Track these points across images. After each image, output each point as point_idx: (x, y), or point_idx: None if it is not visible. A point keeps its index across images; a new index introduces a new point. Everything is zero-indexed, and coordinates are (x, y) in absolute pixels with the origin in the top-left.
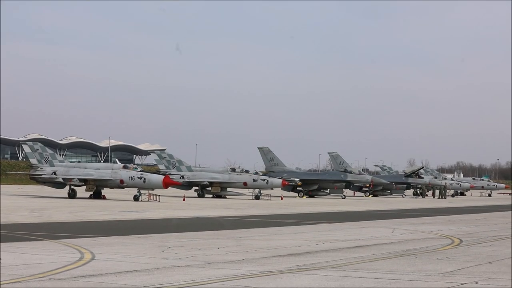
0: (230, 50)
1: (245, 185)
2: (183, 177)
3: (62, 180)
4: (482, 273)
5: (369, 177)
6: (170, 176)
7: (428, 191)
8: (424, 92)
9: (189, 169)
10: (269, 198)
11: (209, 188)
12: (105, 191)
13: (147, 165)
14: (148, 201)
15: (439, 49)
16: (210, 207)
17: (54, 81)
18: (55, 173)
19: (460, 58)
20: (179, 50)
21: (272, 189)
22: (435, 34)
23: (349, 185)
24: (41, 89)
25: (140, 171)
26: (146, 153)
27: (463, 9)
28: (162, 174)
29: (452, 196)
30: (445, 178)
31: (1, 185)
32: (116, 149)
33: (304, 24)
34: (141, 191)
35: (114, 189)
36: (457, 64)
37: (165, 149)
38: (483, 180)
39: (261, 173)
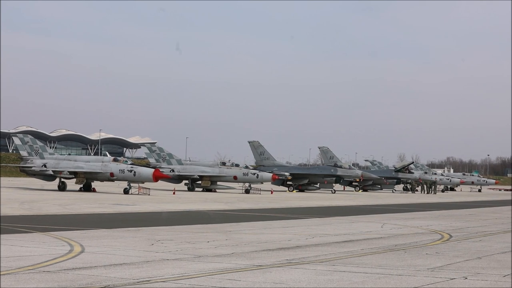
0: (222, 41)
1: (235, 179)
2: (173, 171)
3: (52, 173)
4: (471, 268)
5: (359, 172)
6: (160, 170)
7: (418, 186)
8: (416, 86)
9: (179, 162)
10: (259, 192)
11: (199, 182)
12: (95, 184)
13: (138, 158)
14: (138, 194)
15: (432, 42)
16: (200, 201)
17: (45, 74)
18: (45, 166)
19: (454, 51)
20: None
21: (262, 183)
22: (428, 27)
23: (339, 179)
24: (32, 81)
25: (130, 164)
26: (137, 146)
27: (458, 3)
28: (152, 167)
29: (442, 191)
30: (435, 173)
31: None
32: (106, 142)
33: (297, 17)
34: (131, 184)
35: (104, 182)
36: (450, 58)
37: (155, 143)
38: (473, 175)
39: (251, 167)
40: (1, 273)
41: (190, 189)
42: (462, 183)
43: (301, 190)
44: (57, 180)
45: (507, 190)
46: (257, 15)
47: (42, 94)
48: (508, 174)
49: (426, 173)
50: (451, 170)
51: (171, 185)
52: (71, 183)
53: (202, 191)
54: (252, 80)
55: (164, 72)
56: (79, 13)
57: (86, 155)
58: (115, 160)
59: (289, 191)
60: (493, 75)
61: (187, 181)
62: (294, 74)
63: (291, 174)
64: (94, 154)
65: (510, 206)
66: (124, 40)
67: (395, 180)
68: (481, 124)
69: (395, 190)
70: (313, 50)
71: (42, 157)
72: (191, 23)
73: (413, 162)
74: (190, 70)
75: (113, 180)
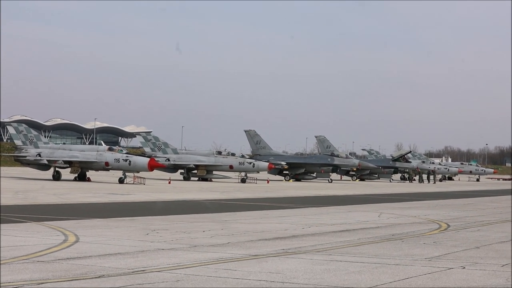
0: (219, 31)
1: (231, 168)
2: (168, 160)
3: (46, 162)
4: (469, 258)
5: (356, 161)
6: (156, 159)
7: (415, 176)
8: (414, 75)
9: (175, 151)
10: (255, 181)
11: (195, 171)
12: (90, 174)
13: (133, 148)
14: (133, 183)
15: (429, 32)
16: (195, 190)
17: (39, 62)
18: (39, 155)
19: (452, 42)
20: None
21: (258, 172)
22: (425, 17)
23: (336, 169)
24: (26, 70)
25: (126, 153)
26: (132, 135)
27: None
28: (147, 157)
29: (440, 180)
30: (433, 163)
31: None
32: (101, 131)
33: (293, 7)
34: (126, 174)
35: (99, 171)
36: (447, 48)
37: (151, 132)
38: (471, 165)
39: (247, 156)
40: None
41: (186, 178)
42: (460, 172)
43: (298, 180)
44: (52, 169)
45: (505, 179)
46: (255, 5)
47: (37, 83)
48: (506, 164)
49: (423, 162)
50: (449, 160)
51: (166, 175)
52: (65, 173)
53: (198, 180)
54: (249, 70)
55: (160, 60)
56: (73, 1)
57: (81, 144)
58: (110, 149)
59: (285, 180)
60: (492, 65)
61: (182, 171)
62: (291, 64)
63: (287, 164)
64: (89, 143)
65: (510, 196)
66: (120, 28)
67: (393, 170)
68: (479, 113)
69: (392, 180)
70: (310, 40)
71: (36, 146)
72: (188, 12)
73: (410, 151)
74: (186, 59)
75: (108, 170)
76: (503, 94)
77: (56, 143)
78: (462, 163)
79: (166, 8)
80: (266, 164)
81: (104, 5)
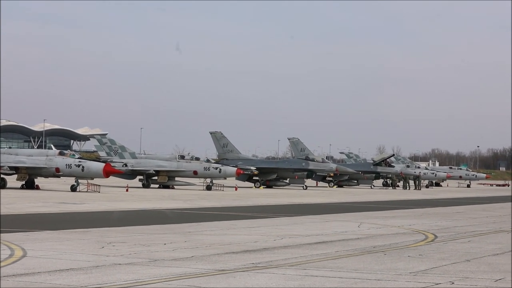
0: (179, 23)
1: (195, 174)
2: (126, 165)
3: None
4: (459, 272)
5: (333, 166)
6: (112, 164)
7: (399, 181)
8: (397, 71)
9: (133, 156)
10: (222, 188)
11: (155, 178)
12: (38, 181)
13: (86, 152)
14: (87, 191)
15: (417, 26)
16: (156, 199)
17: None
18: None
19: (440, 36)
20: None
21: (225, 178)
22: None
23: (311, 174)
24: None
25: (78, 158)
26: (85, 138)
27: None
28: (102, 162)
29: (427, 187)
30: (419, 167)
31: None
32: (52, 133)
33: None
34: (79, 181)
35: (49, 178)
36: (436, 42)
37: (106, 134)
38: (461, 169)
39: (213, 161)
40: None
41: (145, 185)
42: (449, 177)
43: (269, 186)
44: None
45: (499, 185)
46: None
47: None
48: (500, 168)
49: (408, 166)
50: (437, 164)
51: (123, 181)
52: (11, 180)
53: (159, 187)
54: (214, 65)
55: (115, 55)
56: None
57: (28, 148)
58: (61, 153)
59: (255, 187)
60: (484, 62)
61: (141, 177)
62: (261, 60)
63: (257, 169)
64: (38, 147)
65: (510, 203)
66: (74, 21)
67: (374, 175)
68: (470, 112)
69: (373, 186)
70: (284, 33)
71: None
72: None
73: (393, 155)
74: (144, 52)
75: (59, 176)
76: (499, 90)
77: (1, 147)
78: (451, 167)
79: None
80: (234, 169)
81: None
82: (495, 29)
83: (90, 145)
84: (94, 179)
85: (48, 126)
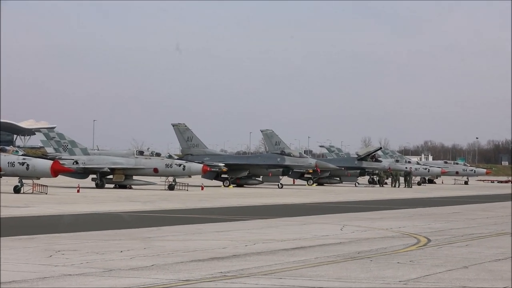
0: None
1: (155, 171)
2: (77, 163)
3: None
4: (456, 281)
5: (312, 161)
6: (61, 161)
7: (387, 178)
8: (384, 55)
9: (85, 152)
10: (186, 188)
11: (110, 176)
12: None
13: (32, 148)
14: (32, 193)
15: (404, 6)
16: (111, 200)
17: None
18: None
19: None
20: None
21: (190, 176)
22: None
23: (287, 171)
24: None
25: (22, 155)
26: (30, 132)
27: None
28: (50, 159)
29: (419, 184)
30: (410, 162)
31: None
32: None
33: None
34: (24, 181)
35: None
36: (426, 22)
37: (54, 127)
38: (457, 164)
39: (176, 157)
40: None
41: (99, 185)
42: (444, 173)
43: (240, 185)
44: None
45: (501, 182)
46: None
47: None
48: (502, 162)
49: (397, 161)
50: (430, 158)
51: (74, 181)
52: None
53: (114, 187)
54: (175, 47)
55: (62, 37)
56: None
57: None
58: (2, 150)
59: (224, 186)
60: (483, 45)
61: (95, 176)
62: (229, 43)
63: (226, 165)
64: None
65: (511, 202)
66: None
67: (359, 171)
68: (467, 100)
69: (358, 183)
70: (256, 12)
71: None
72: None
73: (381, 148)
74: (96, 33)
75: (0, 176)
76: (499, 74)
77: None
78: (446, 162)
79: None
80: (200, 166)
81: None
82: (493, 8)
83: (36, 140)
84: (41, 178)
85: None
